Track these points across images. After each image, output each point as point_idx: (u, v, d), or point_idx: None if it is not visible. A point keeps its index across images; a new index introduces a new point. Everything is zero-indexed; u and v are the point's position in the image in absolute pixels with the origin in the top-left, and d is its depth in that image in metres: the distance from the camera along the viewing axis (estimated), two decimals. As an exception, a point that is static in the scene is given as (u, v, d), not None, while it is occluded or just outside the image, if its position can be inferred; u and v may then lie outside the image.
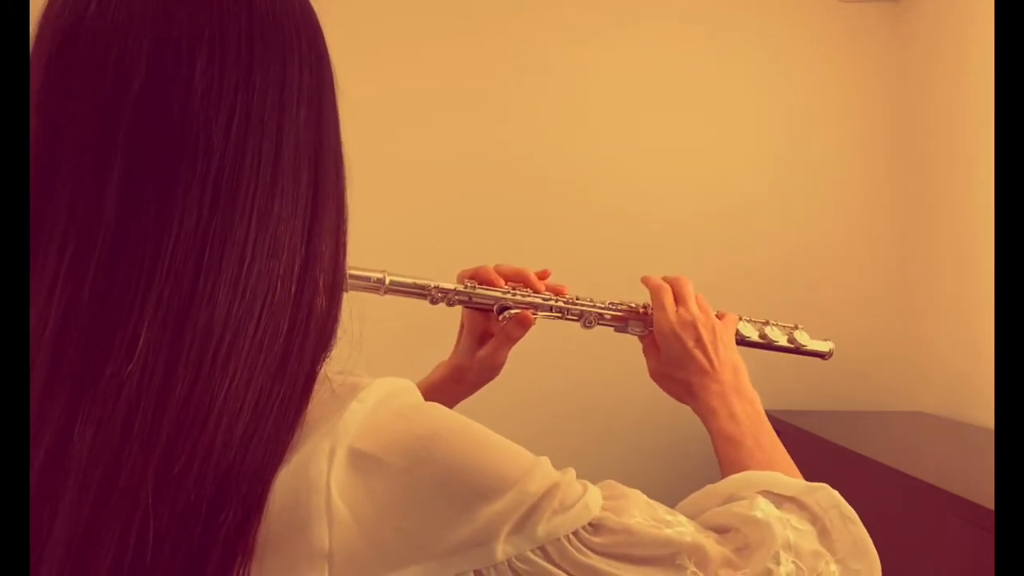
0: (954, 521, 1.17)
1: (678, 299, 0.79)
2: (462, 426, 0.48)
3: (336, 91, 0.53)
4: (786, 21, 2.28)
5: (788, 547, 0.51)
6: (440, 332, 0.97)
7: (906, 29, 2.24)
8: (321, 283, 0.49)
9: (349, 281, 0.71)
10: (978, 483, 1.25)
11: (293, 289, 0.47)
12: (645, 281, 0.82)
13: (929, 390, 2.10)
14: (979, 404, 1.85)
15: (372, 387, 0.47)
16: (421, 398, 0.50)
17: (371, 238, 1.70)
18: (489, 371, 0.83)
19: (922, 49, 2.17)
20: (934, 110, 2.11)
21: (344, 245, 0.52)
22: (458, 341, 0.85)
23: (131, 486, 0.40)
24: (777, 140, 2.27)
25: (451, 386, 0.83)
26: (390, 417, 0.46)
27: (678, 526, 0.50)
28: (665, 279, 0.81)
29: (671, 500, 0.59)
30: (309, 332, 0.47)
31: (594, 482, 0.52)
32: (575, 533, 0.47)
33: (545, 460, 0.49)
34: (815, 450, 1.66)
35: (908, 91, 2.23)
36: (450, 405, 0.83)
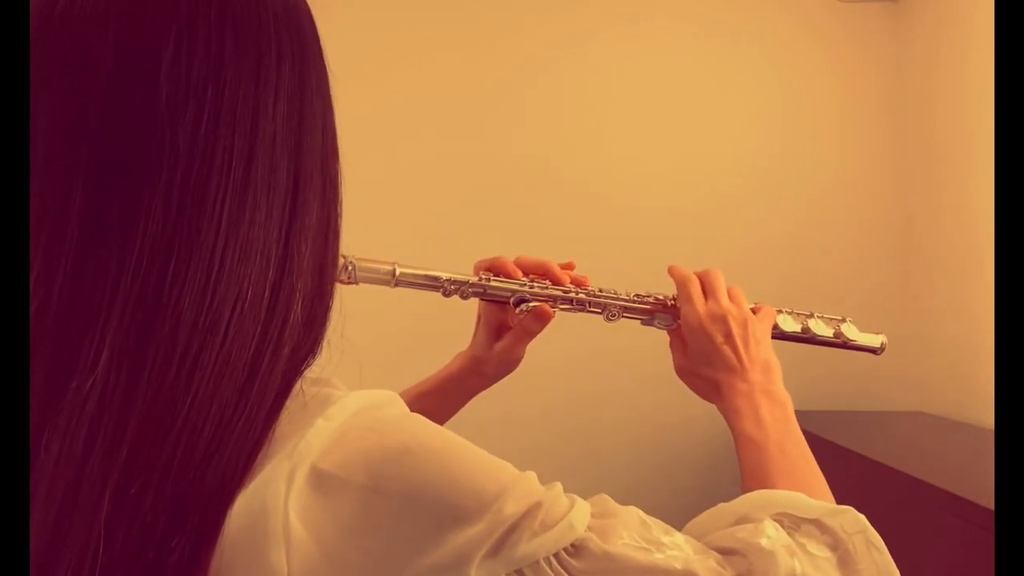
0: (954, 521, 1.17)
1: (707, 292, 0.74)
2: (438, 441, 0.44)
3: (328, 87, 0.49)
4: (786, 21, 2.28)
5: None
6: (458, 323, 0.94)
7: (906, 29, 2.24)
8: (300, 290, 0.46)
9: (358, 274, 0.68)
10: (978, 483, 1.26)
11: (266, 297, 0.44)
12: (672, 271, 0.77)
13: (929, 390, 2.10)
14: (979, 404, 1.85)
15: (342, 402, 0.44)
16: (403, 410, 0.47)
17: (388, 238, 1.70)
18: (507, 365, 0.79)
19: (922, 49, 2.17)
20: (934, 110, 2.11)
21: (335, 249, 0.49)
22: (475, 332, 0.81)
23: (90, 506, 0.39)
24: (776, 140, 2.27)
25: (469, 377, 0.80)
26: (361, 432, 0.43)
27: (671, 549, 0.46)
28: (695, 272, 0.76)
29: (680, 511, 0.57)
30: (282, 343, 0.44)
31: (594, 494, 0.49)
32: (555, 555, 0.44)
33: (530, 475, 0.46)
34: (815, 450, 1.65)
35: (908, 91, 2.23)
36: (469, 396, 0.81)
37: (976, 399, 1.87)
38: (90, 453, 0.39)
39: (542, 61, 2.26)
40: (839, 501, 0.58)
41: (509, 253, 0.79)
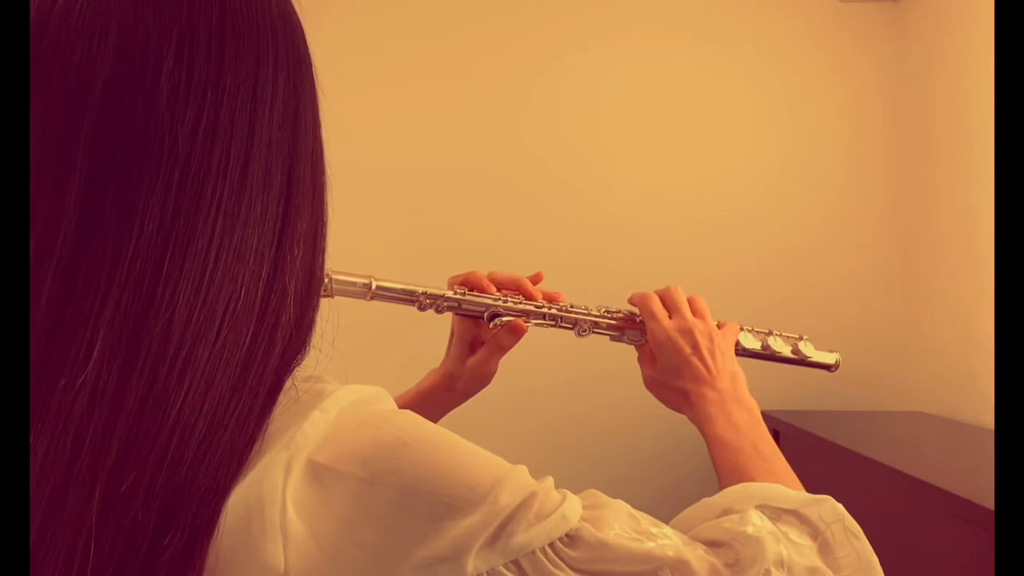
0: (954, 521, 1.17)
1: (670, 308, 0.77)
2: (431, 435, 0.45)
3: (317, 95, 0.51)
4: (785, 21, 2.28)
5: (780, 564, 0.48)
6: (431, 339, 0.96)
7: (906, 29, 2.24)
8: (291, 291, 0.47)
9: (334, 287, 0.70)
10: (978, 483, 1.25)
11: (259, 297, 0.45)
12: (630, 298, 0.80)
13: (929, 390, 2.10)
14: (979, 404, 1.85)
15: (337, 395, 0.45)
16: (392, 406, 0.48)
17: (373, 246, 1.69)
18: (479, 380, 0.81)
19: (922, 49, 2.17)
20: (934, 110, 2.11)
21: (322, 253, 0.50)
22: (448, 348, 0.83)
23: (79, 503, 0.38)
24: (776, 141, 2.27)
25: (441, 394, 0.81)
26: (354, 426, 0.44)
27: (662, 539, 0.47)
28: (656, 291, 0.79)
29: (663, 507, 0.58)
30: (275, 342, 0.45)
31: (579, 490, 0.50)
32: (551, 545, 0.44)
33: (522, 469, 0.47)
34: (815, 450, 1.66)
35: (908, 91, 2.23)
36: (441, 413, 0.81)
37: (976, 399, 1.87)
38: (79, 451, 0.39)
39: (542, 66, 2.26)
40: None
41: (499, 261, 0.80)
